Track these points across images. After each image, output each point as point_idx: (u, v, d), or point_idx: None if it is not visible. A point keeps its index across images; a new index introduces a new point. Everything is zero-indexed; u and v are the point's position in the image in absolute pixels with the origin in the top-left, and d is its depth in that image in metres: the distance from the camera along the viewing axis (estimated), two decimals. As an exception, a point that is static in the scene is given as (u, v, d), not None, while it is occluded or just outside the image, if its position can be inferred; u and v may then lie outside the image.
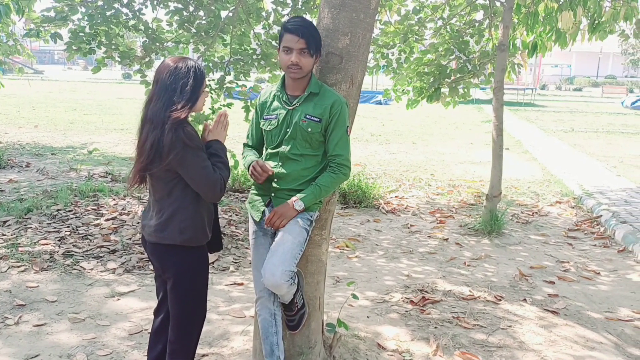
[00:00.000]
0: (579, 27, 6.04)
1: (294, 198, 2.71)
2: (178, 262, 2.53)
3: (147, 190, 2.63)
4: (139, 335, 3.66)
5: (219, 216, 2.80)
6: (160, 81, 2.41)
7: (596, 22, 6.00)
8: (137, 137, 2.48)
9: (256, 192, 2.89)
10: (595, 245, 5.98)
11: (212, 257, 4.93)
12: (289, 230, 2.70)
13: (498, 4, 6.69)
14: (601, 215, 6.86)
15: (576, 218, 7.01)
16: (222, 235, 5.34)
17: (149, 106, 2.43)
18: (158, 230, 2.50)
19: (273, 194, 2.80)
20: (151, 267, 4.80)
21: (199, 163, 2.38)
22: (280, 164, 2.78)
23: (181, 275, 2.54)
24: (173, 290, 2.56)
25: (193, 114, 2.67)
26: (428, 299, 4.34)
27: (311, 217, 2.80)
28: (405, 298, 4.37)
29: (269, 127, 2.81)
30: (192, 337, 2.66)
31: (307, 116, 2.71)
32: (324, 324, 3.38)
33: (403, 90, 7.59)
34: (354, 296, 3.70)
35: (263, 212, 2.84)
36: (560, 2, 5.72)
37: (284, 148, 2.76)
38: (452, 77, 7.14)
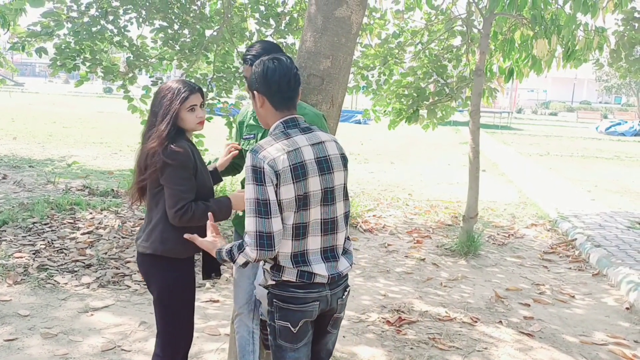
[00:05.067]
0: (553, 54, 6.20)
1: None
2: (161, 275, 2.56)
3: (134, 204, 2.72)
4: (111, 351, 3.63)
5: None
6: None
7: (570, 50, 6.17)
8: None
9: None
10: (570, 268, 6.07)
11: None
12: None
13: (475, 30, 6.85)
14: (576, 239, 6.97)
15: (551, 241, 7.12)
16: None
17: None
18: (144, 240, 2.56)
19: None
20: (126, 282, 4.79)
21: (173, 180, 2.45)
22: None
23: (164, 289, 2.56)
24: (157, 305, 2.59)
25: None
26: (404, 320, 4.37)
27: None
28: (382, 318, 4.39)
29: (247, 146, 2.84)
30: (178, 355, 2.66)
31: None
32: (300, 343, 3.38)
33: (384, 111, 7.69)
34: (331, 315, 3.71)
35: None
36: (536, 31, 5.87)
37: None
38: (431, 100, 7.26)
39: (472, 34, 6.86)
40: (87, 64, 5.97)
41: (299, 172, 2.09)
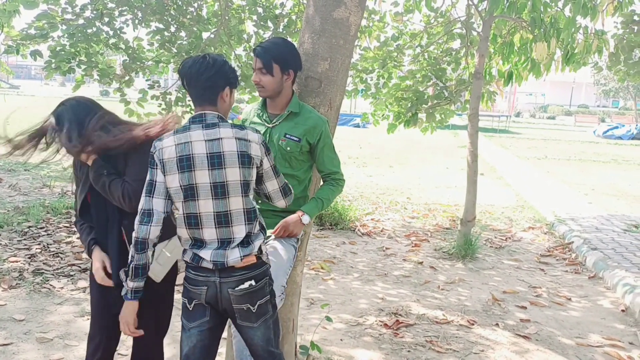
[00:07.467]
0: (553, 58, 6.20)
1: (299, 212, 2.75)
2: None
3: None
4: (108, 356, 3.59)
5: None
6: None
7: (570, 53, 6.17)
8: None
9: None
10: (566, 271, 6.07)
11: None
12: (279, 248, 2.73)
13: (474, 33, 6.84)
14: (573, 242, 6.97)
15: (548, 244, 7.11)
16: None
17: None
18: None
19: None
20: (123, 286, 4.77)
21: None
22: None
23: None
24: None
25: None
26: (402, 323, 4.35)
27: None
28: (379, 321, 4.38)
29: None
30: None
31: (287, 135, 2.76)
32: (298, 347, 3.37)
33: (383, 115, 7.68)
34: (328, 318, 3.69)
35: None
36: (535, 33, 5.87)
37: None
38: (429, 103, 7.24)
39: (471, 37, 6.86)
40: (83, 66, 5.94)
41: (184, 163, 2.25)
